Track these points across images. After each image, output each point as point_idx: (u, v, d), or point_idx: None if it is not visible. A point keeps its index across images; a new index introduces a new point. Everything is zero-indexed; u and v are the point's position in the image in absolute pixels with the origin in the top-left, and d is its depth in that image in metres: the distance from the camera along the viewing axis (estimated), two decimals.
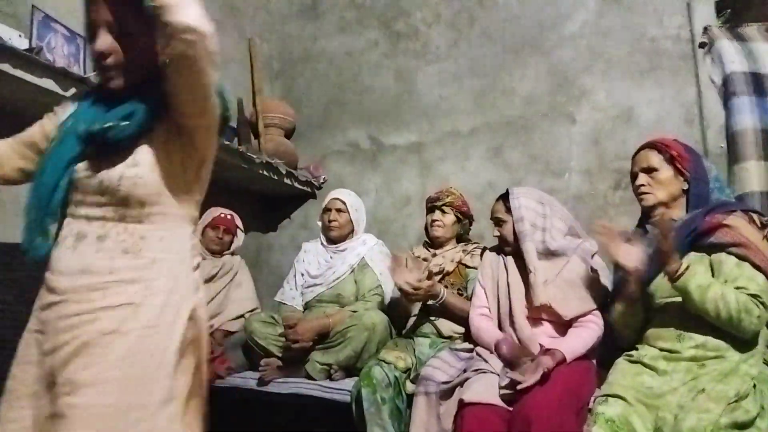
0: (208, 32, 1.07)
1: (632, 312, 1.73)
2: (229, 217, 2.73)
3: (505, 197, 2.10)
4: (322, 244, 2.72)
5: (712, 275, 1.60)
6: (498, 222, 2.10)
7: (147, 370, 1.11)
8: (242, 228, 2.82)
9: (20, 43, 1.76)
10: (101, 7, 1.13)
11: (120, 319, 1.11)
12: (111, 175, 1.15)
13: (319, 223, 2.75)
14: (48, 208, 1.15)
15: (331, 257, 2.63)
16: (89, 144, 1.16)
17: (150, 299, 1.15)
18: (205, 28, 1.07)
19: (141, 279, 1.15)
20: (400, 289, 2.14)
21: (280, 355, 2.33)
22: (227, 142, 2.67)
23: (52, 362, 1.10)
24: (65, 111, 1.26)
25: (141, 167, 1.16)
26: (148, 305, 1.14)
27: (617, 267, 1.93)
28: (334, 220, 2.63)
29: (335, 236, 2.65)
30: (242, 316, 2.64)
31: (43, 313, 1.15)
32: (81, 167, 1.17)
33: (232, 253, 2.78)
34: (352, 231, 2.68)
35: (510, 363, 1.75)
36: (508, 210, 2.06)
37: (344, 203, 2.65)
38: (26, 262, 1.20)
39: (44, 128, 1.28)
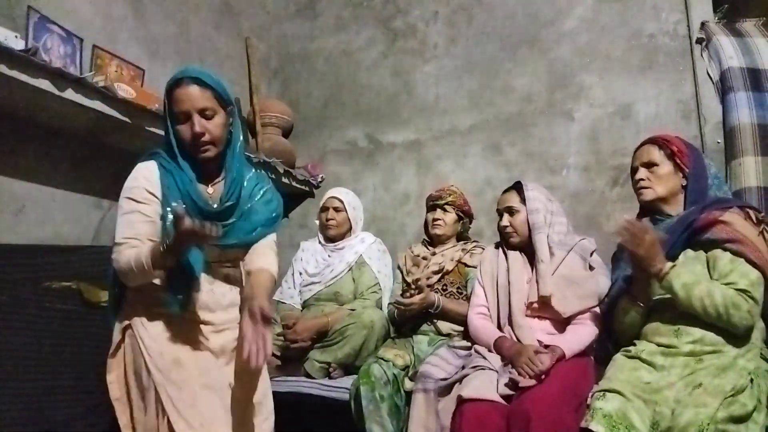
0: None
1: (640, 312, 1.72)
2: None
3: (516, 188, 2.12)
4: (320, 242, 2.72)
5: (709, 271, 1.61)
6: (510, 211, 2.09)
7: None
8: None
9: (16, 43, 1.75)
10: (194, 99, 1.45)
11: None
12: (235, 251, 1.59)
13: (317, 222, 2.76)
14: (195, 288, 1.45)
15: (329, 256, 2.64)
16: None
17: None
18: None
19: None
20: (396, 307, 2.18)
21: (279, 354, 2.33)
22: None
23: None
24: (155, 180, 1.47)
25: None
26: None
27: (615, 263, 1.94)
28: (332, 219, 2.63)
29: (333, 235, 2.65)
30: None
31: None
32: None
33: None
34: (350, 229, 2.69)
35: (510, 361, 1.77)
36: (523, 201, 2.07)
37: (342, 202, 2.66)
38: (18, 263, 1.28)
39: (152, 207, 1.46)
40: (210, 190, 1.55)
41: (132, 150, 1.97)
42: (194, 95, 1.45)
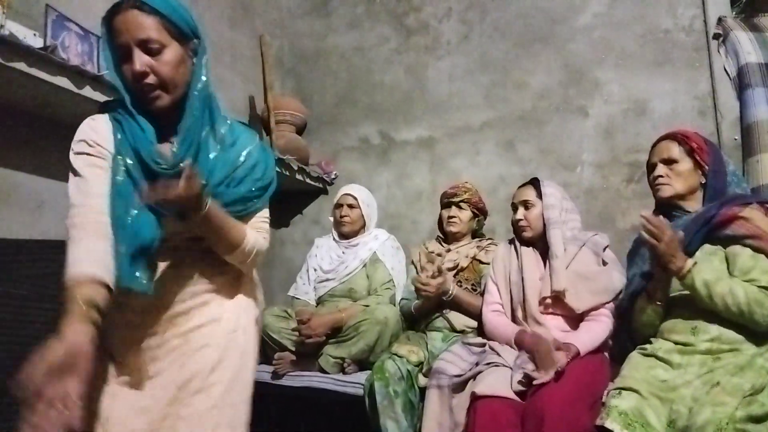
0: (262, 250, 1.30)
1: (658, 311, 1.71)
2: None
3: (533, 184, 2.13)
4: (334, 239, 2.73)
5: (728, 267, 1.59)
6: (525, 205, 2.10)
7: (238, 373, 1.24)
8: None
9: (34, 42, 1.77)
10: (133, 28, 1.12)
11: (207, 334, 1.23)
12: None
13: (331, 219, 2.77)
14: (150, 251, 1.16)
15: (343, 252, 2.65)
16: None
17: (227, 313, 1.28)
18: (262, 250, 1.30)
19: (215, 297, 1.28)
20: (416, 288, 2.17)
21: (293, 349, 2.34)
22: None
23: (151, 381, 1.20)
24: (106, 134, 1.21)
25: None
26: (226, 318, 1.27)
27: (631, 260, 1.93)
28: (346, 216, 2.64)
29: (347, 231, 2.66)
30: None
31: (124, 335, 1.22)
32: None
33: None
34: (364, 226, 2.69)
35: (530, 351, 1.76)
36: (539, 196, 2.08)
37: (356, 198, 2.66)
38: (38, 258, 1.21)
39: (104, 161, 1.20)
40: (174, 148, 1.21)
41: None
42: (133, 23, 1.12)
